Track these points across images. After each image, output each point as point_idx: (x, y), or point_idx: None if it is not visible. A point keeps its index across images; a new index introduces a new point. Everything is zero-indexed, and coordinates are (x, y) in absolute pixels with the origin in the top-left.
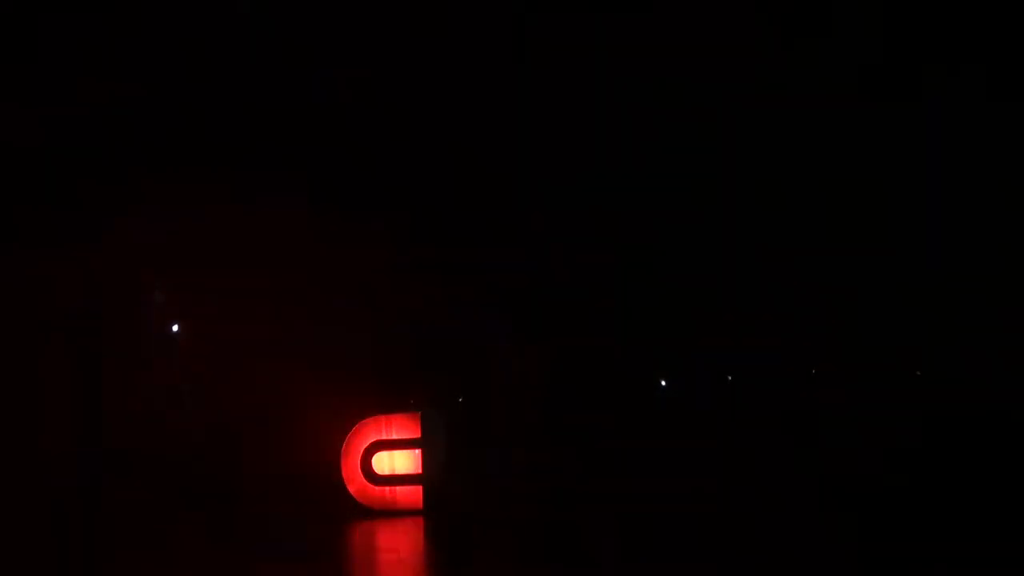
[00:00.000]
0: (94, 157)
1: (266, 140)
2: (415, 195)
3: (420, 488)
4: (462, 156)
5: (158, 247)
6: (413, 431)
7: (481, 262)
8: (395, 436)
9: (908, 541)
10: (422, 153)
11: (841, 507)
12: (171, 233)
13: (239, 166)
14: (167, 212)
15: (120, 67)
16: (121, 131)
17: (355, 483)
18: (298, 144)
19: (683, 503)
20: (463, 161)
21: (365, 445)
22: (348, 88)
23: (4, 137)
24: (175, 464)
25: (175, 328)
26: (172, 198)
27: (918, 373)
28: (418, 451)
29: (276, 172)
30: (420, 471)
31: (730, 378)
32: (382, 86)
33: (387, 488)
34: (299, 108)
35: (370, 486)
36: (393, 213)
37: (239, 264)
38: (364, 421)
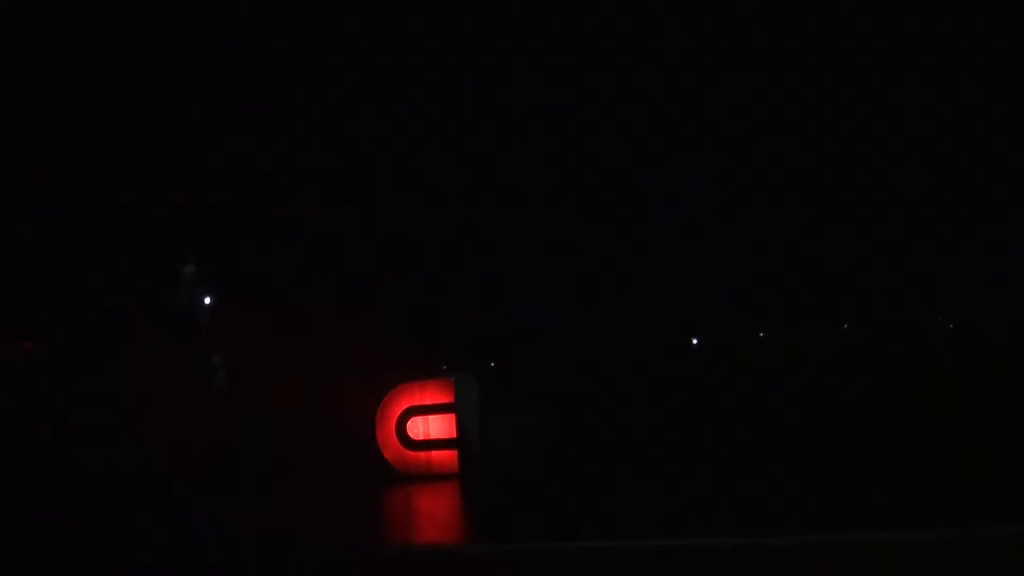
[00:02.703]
0: None
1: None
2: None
3: (455, 452)
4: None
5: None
6: (447, 396)
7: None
8: (429, 401)
9: None
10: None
11: None
12: (201, 206)
13: (264, 137)
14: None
15: None
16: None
17: (390, 449)
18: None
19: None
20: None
21: (399, 411)
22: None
23: None
24: (206, 436)
25: (207, 300)
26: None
27: None
28: (452, 415)
29: (303, 138)
30: (455, 435)
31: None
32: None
33: (422, 453)
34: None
35: (406, 451)
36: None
37: (269, 233)
38: (398, 388)
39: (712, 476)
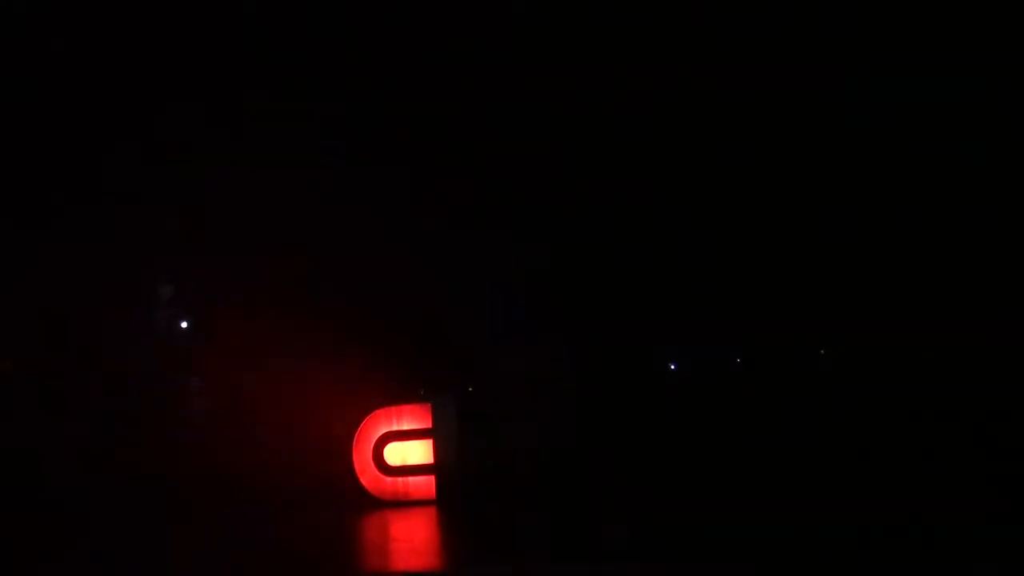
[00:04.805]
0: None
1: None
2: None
3: (432, 478)
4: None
5: (164, 237)
6: (424, 421)
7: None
8: (406, 427)
9: None
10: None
11: None
12: (177, 223)
13: (246, 154)
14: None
15: None
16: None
17: (367, 474)
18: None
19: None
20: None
21: (376, 436)
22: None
23: None
24: (183, 461)
25: (183, 324)
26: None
27: None
28: (430, 441)
29: (282, 159)
30: (432, 461)
31: (739, 360)
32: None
33: (399, 479)
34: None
35: (382, 477)
36: (398, 197)
37: (245, 255)
38: (375, 413)
39: (693, 499)
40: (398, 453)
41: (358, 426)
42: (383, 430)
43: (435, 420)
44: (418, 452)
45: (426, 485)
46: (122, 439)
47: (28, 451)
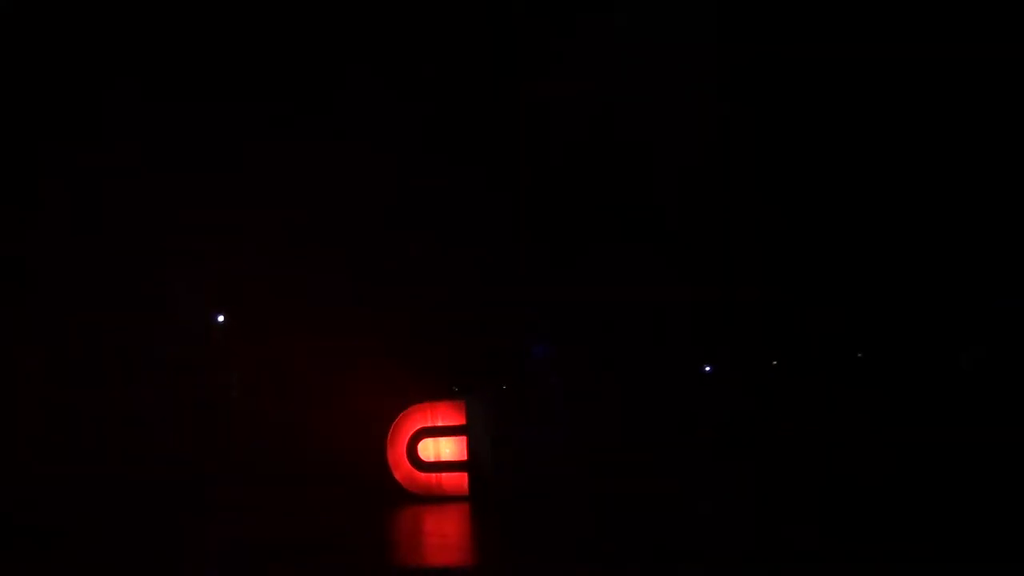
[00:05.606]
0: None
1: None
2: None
3: (465, 474)
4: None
5: (202, 233)
6: (458, 418)
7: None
8: (440, 423)
9: None
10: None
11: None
12: (215, 218)
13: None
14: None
15: None
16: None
17: (401, 470)
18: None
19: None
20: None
21: (411, 432)
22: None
23: None
24: (218, 454)
25: (220, 319)
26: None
27: None
28: (463, 438)
29: (324, 161)
30: (465, 457)
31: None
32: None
33: (433, 474)
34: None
35: (416, 472)
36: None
37: (286, 256)
38: (410, 409)
39: (727, 498)
40: (432, 449)
41: (393, 421)
42: (418, 426)
43: (469, 417)
44: (452, 448)
45: (459, 481)
46: (157, 432)
47: (62, 443)
